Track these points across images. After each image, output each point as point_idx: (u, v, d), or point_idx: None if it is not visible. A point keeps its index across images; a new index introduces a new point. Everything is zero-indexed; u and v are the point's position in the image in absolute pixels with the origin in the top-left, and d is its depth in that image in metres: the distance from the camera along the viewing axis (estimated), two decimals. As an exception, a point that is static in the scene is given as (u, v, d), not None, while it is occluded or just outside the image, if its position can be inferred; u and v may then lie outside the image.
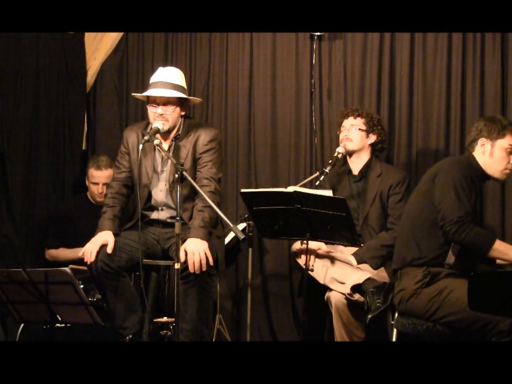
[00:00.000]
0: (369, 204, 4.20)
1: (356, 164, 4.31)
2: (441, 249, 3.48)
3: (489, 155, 3.60)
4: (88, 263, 3.73)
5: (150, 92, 3.86)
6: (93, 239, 3.79)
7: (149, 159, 3.95)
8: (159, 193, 3.94)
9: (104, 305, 3.93)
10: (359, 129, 4.27)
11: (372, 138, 4.30)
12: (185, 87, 3.94)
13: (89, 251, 3.73)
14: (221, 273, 3.88)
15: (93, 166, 4.71)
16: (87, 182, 4.78)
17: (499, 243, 3.39)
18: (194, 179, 3.68)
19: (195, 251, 3.62)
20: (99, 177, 4.69)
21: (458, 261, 3.47)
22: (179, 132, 3.95)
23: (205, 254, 3.63)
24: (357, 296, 3.82)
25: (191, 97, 4.06)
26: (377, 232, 4.16)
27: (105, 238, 3.77)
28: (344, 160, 4.36)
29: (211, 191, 3.79)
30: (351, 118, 4.31)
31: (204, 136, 3.93)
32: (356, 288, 3.82)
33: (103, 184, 4.64)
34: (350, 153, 4.30)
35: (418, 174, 4.46)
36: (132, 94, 4.29)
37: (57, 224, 4.70)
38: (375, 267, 3.99)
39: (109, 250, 3.73)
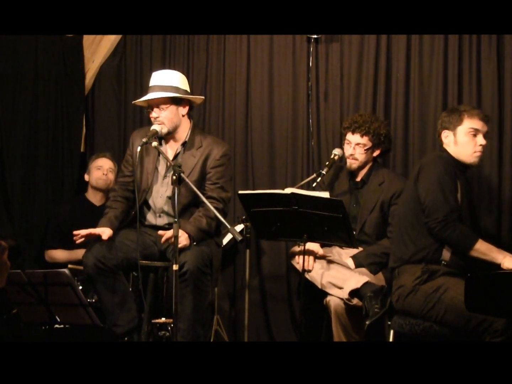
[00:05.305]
0: (368, 212, 4.16)
1: (359, 173, 4.27)
2: (436, 244, 3.50)
3: (454, 144, 3.63)
4: (78, 236, 3.76)
5: (140, 99, 3.92)
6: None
7: (151, 163, 3.95)
8: (159, 199, 3.93)
9: (94, 301, 3.96)
10: (365, 149, 4.17)
11: (377, 152, 4.25)
12: (178, 85, 3.87)
13: (84, 232, 3.77)
14: (214, 281, 3.88)
15: (95, 156, 4.81)
16: (87, 177, 4.80)
17: (480, 243, 3.41)
18: (199, 190, 3.56)
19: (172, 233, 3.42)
20: (103, 162, 4.75)
21: (454, 258, 3.50)
22: (187, 139, 3.95)
23: (177, 241, 3.35)
24: (355, 301, 3.81)
25: (178, 95, 3.87)
26: (373, 240, 4.14)
27: (103, 228, 3.81)
28: (343, 162, 4.35)
29: (217, 208, 3.65)
30: (357, 136, 4.16)
31: (216, 151, 3.92)
32: (354, 293, 3.82)
33: (108, 170, 4.71)
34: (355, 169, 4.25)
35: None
36: (133, 102, 4.28)
37: (56, 225, 4.71)
38: (373, 272, 3.98)
39: (105, 236, 3.76)
